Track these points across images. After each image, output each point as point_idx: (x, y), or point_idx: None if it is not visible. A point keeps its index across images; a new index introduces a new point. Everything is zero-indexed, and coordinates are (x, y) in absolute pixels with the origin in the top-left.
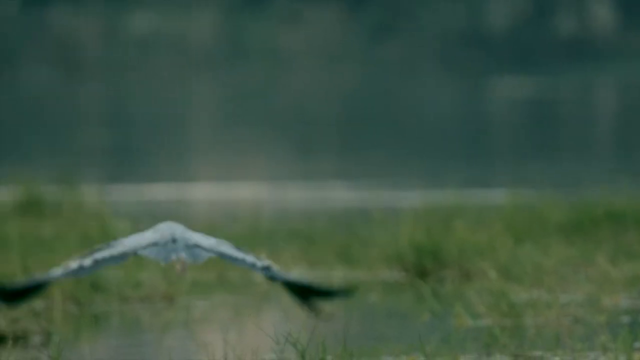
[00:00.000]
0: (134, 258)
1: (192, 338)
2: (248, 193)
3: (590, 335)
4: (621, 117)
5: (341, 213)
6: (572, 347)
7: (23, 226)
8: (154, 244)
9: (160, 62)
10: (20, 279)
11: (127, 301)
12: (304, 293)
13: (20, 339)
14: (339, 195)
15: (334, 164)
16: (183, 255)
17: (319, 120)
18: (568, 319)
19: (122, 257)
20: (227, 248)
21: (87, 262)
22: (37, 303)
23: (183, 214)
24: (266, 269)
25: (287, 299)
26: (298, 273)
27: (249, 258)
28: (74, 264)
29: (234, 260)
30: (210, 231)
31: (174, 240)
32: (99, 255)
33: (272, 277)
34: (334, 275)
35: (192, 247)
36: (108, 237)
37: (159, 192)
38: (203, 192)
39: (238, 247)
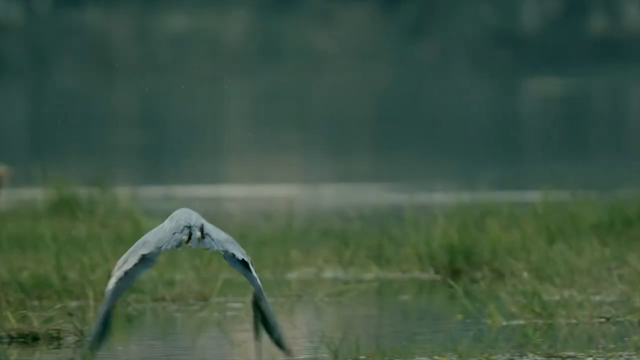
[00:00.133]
0: (168, 259)
1: (225, 338)
2: (281, 193)
3: (622, 335)
4: None
5: (374, 213)
6: (605, 347)
7: (56, 226)
8: (173, 235)
9: (193, 62)
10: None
11: (161, 301)
12: (268, 329)
13: (54, 339)
14: (372, 195)
15: (367, 165)
16: (198, 233)
17: (351, 120)
18: (601, 319)
19: (150, 261)
20: (233, 247)
21: (121, 276)
22: (71, 303)
23: (216, 214)
24: (259, 290)
25: (320, 299)
26: (331, 274)
27: (250, 269)
28: (111, 286)
29: (234, 262)
30: (243, 231)
31: (188, 227)
32: (127, 267)
33: (257, 299)
34: (367, 276)
35: (205, 235)
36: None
37: (192, 192)
38: (236, 193)
39: (245, 254)
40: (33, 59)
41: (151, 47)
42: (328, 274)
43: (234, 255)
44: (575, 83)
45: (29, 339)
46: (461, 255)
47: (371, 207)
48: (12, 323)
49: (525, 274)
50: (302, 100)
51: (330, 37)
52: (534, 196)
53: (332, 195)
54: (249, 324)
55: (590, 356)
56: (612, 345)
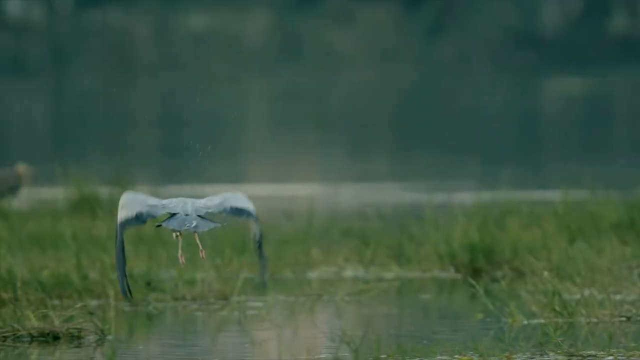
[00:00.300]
0: (189, 259)
1: (246, 337)
2: (301, 193)
3: None
4: None
5: (394, 213)
6: (625, 345)
7: (77, 226)
8: (174, 216)
9: (214, 61)
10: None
11: (181, 300)
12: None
13: (75, 338)
14: (392, 195)
15: (387, 164)
16: (194, 223)
17: (371, 120)
18: (621, 317)
19: (153, 210)
20: (232, 201)
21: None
22: (91, 302)
23: None
24: (261, 237)
25: (340, 298)
26: (351, 273)
27: (252, 209)
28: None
29: (239, 212)
30: (264, 230)
31: (186, 215)
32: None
33: (259, 244)
34: (388, 275)
35: (204, 218)
36: (161, 237)
37: (212, 191)
38: (256, 192)
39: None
40: (54, 58)
41: (171, 46)
42: (348, 273)
43: (231, 207)
44: (596, 82)
45: (50, 338)
46: (481, 254)
47: (391, 207)
48: (33, 322)
49: (545, 273)
50: (322, 99)
51: (350, 37)
52: (554, 195)
53: (353, 195)
54: (269, 323)
55: (611, 355)
56: (632, 344)
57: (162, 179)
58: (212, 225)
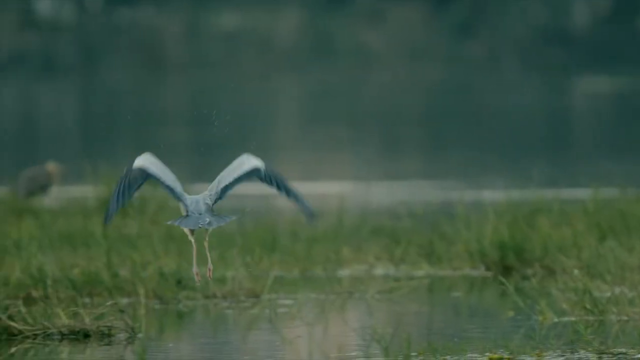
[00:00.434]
0: (219, 256)
1: (276, 335)
2: (332, 191)
3: None
4: None
5: (425, 211)
6: None
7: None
8: (187, 215)
9: (245, 59)
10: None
11: (212, 298)
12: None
13: (105, 336)
14: (423, 193)
15: (418, 162)
16: (207, 220)
17: (402, 118)
18: None
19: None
20: (226, 179)
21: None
22: (122, 300)
23: (267, 211)
24: (278, 176)
25: (371, 296)
26: (382, 271)
27: (249, 167)
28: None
29: (246, 176)
30: (294, 228)
31: (200, 214)
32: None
33: (281, 185)
34: (418, 273)
35: (216, 215)
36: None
37: (243, 190)
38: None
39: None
40: (85, 57)
41: (202, 44)
42: (379, 271)
43: (227, 184)
44: (626, 80)
45: (80, 336)
46: (512, 252)
47: (422, 205)
48: (64, 320)
49: (576, 271)
50: (353, 97)
51: (380, 36)
52: (584, 193)
53: (383, 193)
54: (300, 321)
55: None
56: None
57: (192, 177)
58: (226, 220)
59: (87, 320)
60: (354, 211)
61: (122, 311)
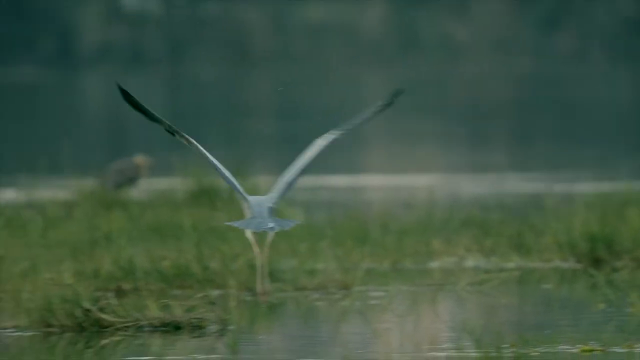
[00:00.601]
0: (309, 249)
1: (367, 327)
2: (421, 183)
3: None
4: None
5: (514, 203)
6: None
7: (196, 216)
8: (251, 218)
9: (331, 52)
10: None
11: (302, 290)
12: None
13: (197, 328)
14: (512, 185)
15: (507, 154)
16: (270, 224)
17: (490, 110)
18: None
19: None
20: (286, 178)
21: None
22: (212, 292)
23: (356, 204)
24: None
25: (462, 288)
26: (472, 263)
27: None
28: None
29: (301, 171)
30: (384, 221)
31: (262, 218)
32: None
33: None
34: (508, 265)
35: (279, 219)
36: None
37: (332, 182)
38: (376, 182)
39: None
40: (171, 50)
41: (288, 37)
42: (469, 263)
43: (289, 182)
44: None
45: (171, 328)
46: (602, 244)
47: (511, 197)
48: (154, 312)
49: None
50: (440, 90)
51: (467, 28)
52: None
53: (472, 185)
54: (391, 313)
55: None
56: None
57: (280, 170)
58: (290, 224)
59: (178, 312)
60: (444, 203)
61: (213, 303)
